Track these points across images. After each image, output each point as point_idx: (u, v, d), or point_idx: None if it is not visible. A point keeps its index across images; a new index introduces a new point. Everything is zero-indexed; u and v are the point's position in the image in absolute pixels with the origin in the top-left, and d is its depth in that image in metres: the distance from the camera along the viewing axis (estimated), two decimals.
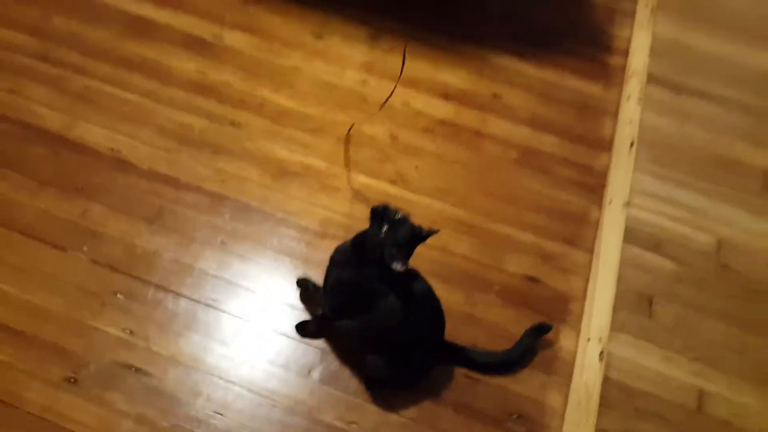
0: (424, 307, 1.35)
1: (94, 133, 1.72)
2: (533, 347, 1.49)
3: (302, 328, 1.47)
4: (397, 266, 1.19)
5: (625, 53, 2.13)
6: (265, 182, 1.68)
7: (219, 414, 1.35)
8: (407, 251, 1.23)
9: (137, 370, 1.39)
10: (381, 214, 1.22)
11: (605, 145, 1.90)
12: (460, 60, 2.04)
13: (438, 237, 1.59)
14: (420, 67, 1.99)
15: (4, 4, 1.98)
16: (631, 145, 1.87)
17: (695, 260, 1.66)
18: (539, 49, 2.11)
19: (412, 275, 1.35)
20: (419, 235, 1.24)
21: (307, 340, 1.46)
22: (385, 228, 1.21)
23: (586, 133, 1.92)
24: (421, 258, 1.54)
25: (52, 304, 1.45)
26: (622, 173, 1.82)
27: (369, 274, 1.27)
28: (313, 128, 1.80)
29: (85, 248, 1.53)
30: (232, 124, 1.78)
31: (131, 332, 1.43)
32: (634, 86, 2.02)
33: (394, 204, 1.27)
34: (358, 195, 1.69)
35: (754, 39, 2.20)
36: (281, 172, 1.71)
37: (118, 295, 1.47)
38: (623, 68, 2.09)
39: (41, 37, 1.91)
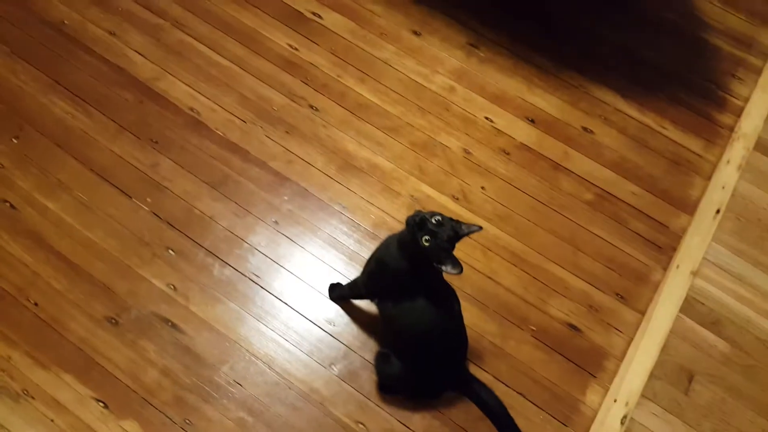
0: (449, 323, 1.34)
1: (179, 89, 1.76)
2: None
3: (332, 290, 1.52)
4: (453, 271, 1.19)
5: (738, 113, 1.94)
6: (329, 172, 1.69)
7: (238, 384, 1.41)
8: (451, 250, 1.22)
9: (173, 325, 1.45)
10: (419, 225, 1.19)
11: (688, 207, 1.77)
12: (557, 85, 1.92)
13: (486, 264, 1.61)
14: (512, 84, 1.90)
15: None
16: (717, 212, 1.74)
17: (752, 347, 1.55)
18: (645, 90, 1.95)
19: (450, 290, 1.35)
20: (460, 233, 1.22)
21: (336, 333, 1.48)
22: (426, 238, 1.18)
23: (672, 190, 1.79)
24: (465, 281, 1.56)
25: (108, 244, 1.53)
26: (698, 239, 1.69)
27: (407, 268, 1.27)
28: (388, 127, 1.78)
29: (148, 199, 1.59)
30: (311, 107, 1.78)
31: (174, 288, 1.49)
32: (737, 150, 1.85)
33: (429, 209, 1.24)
34: (416, 204, 1.67)
35: None
36: (347, 165, 1.71)
37: (170, 251, 1.53)
38: (731, 129, 1.91)
39: None
